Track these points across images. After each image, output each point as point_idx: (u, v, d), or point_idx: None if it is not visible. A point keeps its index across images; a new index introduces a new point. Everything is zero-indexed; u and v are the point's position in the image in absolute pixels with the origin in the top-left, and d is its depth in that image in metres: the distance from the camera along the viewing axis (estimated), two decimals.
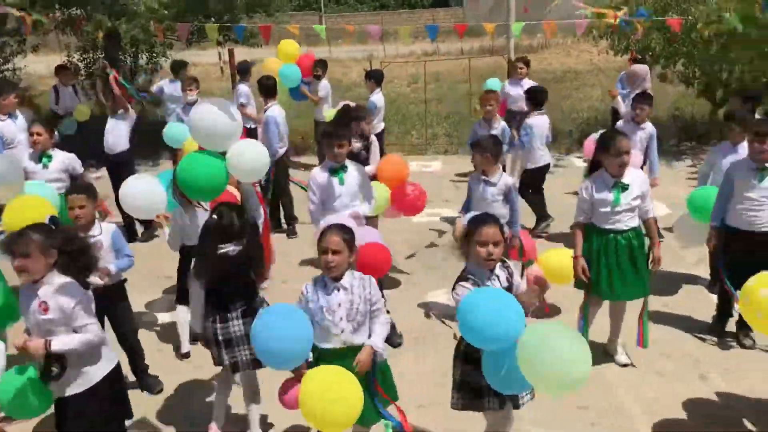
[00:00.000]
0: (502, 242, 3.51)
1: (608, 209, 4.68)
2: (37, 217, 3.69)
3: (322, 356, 3.61)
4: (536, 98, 7.63)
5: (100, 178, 9.58)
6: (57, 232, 3.49)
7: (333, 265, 3.56)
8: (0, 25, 10.44)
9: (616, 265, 4.74)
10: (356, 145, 6.23)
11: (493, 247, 3.46)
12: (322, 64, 9.91)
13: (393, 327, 5.48)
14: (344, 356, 3.57)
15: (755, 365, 4.99)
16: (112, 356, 3.68)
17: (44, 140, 6.05)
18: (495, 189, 5.42)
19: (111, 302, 4.65)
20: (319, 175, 5.27)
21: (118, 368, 3.71)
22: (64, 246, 3.45)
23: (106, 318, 4.68)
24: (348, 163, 5.31)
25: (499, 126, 7.44)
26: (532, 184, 7.66)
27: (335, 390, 3.25)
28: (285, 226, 8.05)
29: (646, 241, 4.83)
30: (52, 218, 3.59)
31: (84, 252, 3.54)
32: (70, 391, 3.51)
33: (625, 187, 4.65)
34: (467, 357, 3.58)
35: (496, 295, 3.10)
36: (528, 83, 9.02)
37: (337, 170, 5.23)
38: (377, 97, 9.26)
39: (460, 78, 17.65)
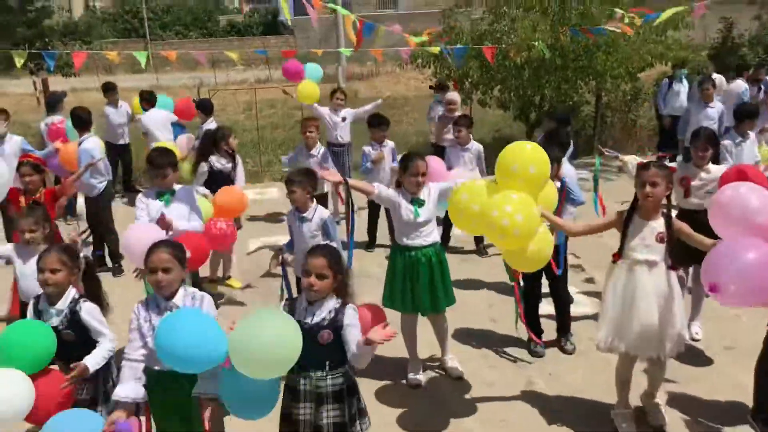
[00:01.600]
0: (328, 276, 3.43)
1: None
2: None
3: (156, 379, 3.48)
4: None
5: None
6: None
7: (164, 284, 3.43)
8: None
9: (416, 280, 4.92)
10: (225, 165, 7.03)
11: (314, 278, 3.41)
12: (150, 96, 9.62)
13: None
14: (177, 378, 3.41)
15: (574, 365, 5.38)
16: None
17: None
18: (311, 224, 5.22)
19: None
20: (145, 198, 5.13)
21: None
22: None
23: None
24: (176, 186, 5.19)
25: (318, 152, 7.63)
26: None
27: None
28: (110, 264, 7.61)
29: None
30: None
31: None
32: None
33: (421, 203, 4.87)
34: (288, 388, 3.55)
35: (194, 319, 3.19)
36: (347, 112, 9.08)
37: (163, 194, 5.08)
38: (212, 126, 9.08)
39: (295, 105, 17.70)
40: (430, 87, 10.68)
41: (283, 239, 8.32)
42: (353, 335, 3.38)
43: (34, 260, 4.00)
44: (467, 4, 12.46)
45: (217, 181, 6.81)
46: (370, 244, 8.08)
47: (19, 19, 10.31)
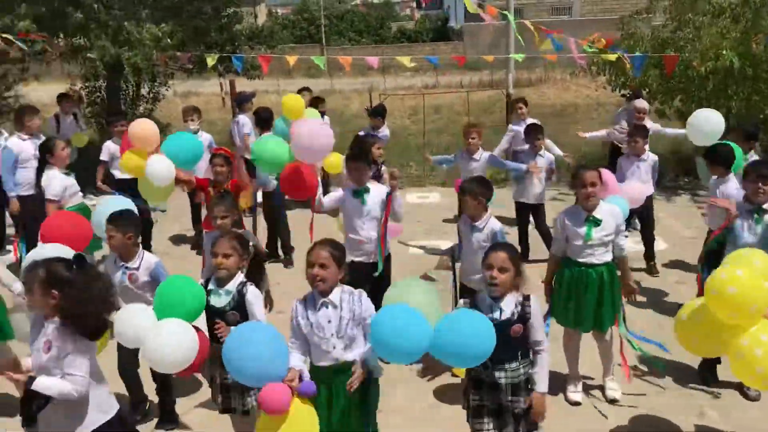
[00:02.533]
0: (509, 270, 3.57)
1: (580, 243, 4.72)
2: None
3: (317, 374, 3.59)
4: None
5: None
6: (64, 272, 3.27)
7: (319, 279, 3.55)
8: (3, 54, 10.52)
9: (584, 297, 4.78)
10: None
11: (497, 271, 3.55)
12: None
13: None
14: (338, 373, 3.58)
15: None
16: (108, 407, 3.47)
17: None
18: (481, 235, 5.14)
19: None
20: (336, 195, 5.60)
21: (114, 420, 3.47)
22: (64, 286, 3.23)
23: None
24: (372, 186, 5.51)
25: (481, 157, 7.59)
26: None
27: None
28: (282, 255, 8.03)
29: None
30: (77, 255, 3.39)
31: (85, 301, 3.24)
32: None
33: (597, 222, 4.66)
34: (476, 382, 3.67)
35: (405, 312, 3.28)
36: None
37: (359, 192, 5.40)
38: (387, 132, 9.42)
39: (460, 110, 17.79)
40: (623, 95, 10.35)
41: (443, 244, 8.45)
42: (538, 323, 3.64)
43: None
44: (647, 10, 11.83)
45: None
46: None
47: (213, 24, 11.15)
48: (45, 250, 4.12)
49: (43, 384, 3.18)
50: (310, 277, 3.60)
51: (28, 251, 5.49)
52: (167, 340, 3.63)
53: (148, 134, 5.60)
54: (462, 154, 7.79)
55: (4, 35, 7.98)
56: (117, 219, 4.52)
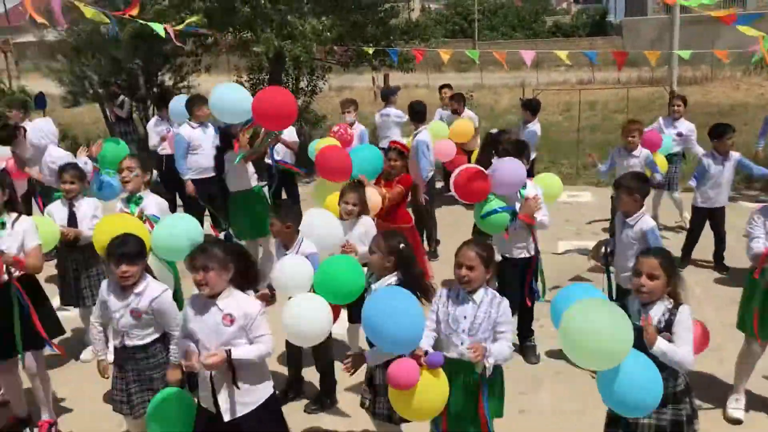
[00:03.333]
0: (660, 277, 3.36)
1: None
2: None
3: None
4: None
5: None
6: (230, 247, 3.59)
7: (465, 279, 3.57)
8: (179, 47, 11.35)
9: None
10: None
11: (645, 278, 3.36)
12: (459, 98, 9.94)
13: (533, 348, 5.57)
14: (458, 370, 3.56)
15: None
16: (269, 375, 3.71)
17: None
18: (631, 232, 4.97)
19: None
20: None
21: (274, 392, 3.72)
22: (237, 262, 3.52)
23: None
24: None
25: (641, 154, 7.21)
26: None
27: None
28: (427, 248, 8.09)
29: None
30: (227, 234, 3.72)
31: (252, 267, 3.64)
32: (243, 410, 3.50)
33: None
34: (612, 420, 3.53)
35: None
36: (683, 124, 8.48)
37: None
38: (536, 127, 9.19)
39: (616, 108, 17.05)
40: None
41: (591, 244, 8.12)
42: (682, 336, 3.32)
43: None
44: None
45: None
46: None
47: (370, 18, 11.41)
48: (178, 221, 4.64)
49: (241, 352, 3.39)
50: (458, 277, 3.63)
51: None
52: (307, 313, 3.86)
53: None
54: (619, 150, 7.46)
55: (179, 28, 8.57)
56: (278, 209, 4.76)
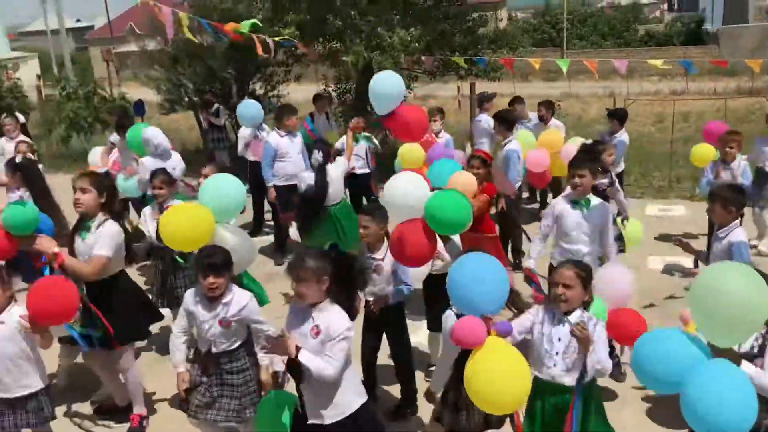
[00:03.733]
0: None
1: None
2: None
3: (534, 383, 3.53)
4: None
5: None
6: (330, 259, 3.58)
7: (563, 299, 3.50)
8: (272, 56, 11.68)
9: None
10: (600, 181, 6.14)
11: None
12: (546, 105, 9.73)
13: (618, 365, 5.36)
14: (549, 392, 3.54)
15: None
16: (362, 390, 3.74)
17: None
18: (719, 244, 4.78)
19: (386, 325, 4.89)
20: (558, 203, 5.30)
21: (369, 403, 3.74)
22: (342, 272, 3.56)
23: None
24: (592, 197, 5.21)
25: (739, 166, 6.90)
26: None
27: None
28: (512, 259, 8.00)
29: None
30: (333, 245, 3.72)
31: (357, 276, 3.66)
32: (327, 418, 3.58)
33: None
34: None
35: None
36: None
37: (580, 202, 5.15)
38: (624, 137, 8.94)
39: (712, 119, 16.36)
40: None
41: (684, 261, 7.83)
42: None
43: None
44: None
45: None
46: None
47: (458, 28, 11.43)
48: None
49: (306, 357, 3.42)
50: (554, 296, 3.57)
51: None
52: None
53: None
54: (715, 163, 7.19)
55: (273, 39, 8.84)
56: (372, 212, 4.78)
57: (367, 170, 8.59)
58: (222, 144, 12.11)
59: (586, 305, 3.62)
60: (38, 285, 3.95)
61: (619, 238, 6.19)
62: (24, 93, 16.95)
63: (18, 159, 6.49)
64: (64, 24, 27.54)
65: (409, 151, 6.50)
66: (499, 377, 3.08)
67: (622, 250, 6.26)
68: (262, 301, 4.99)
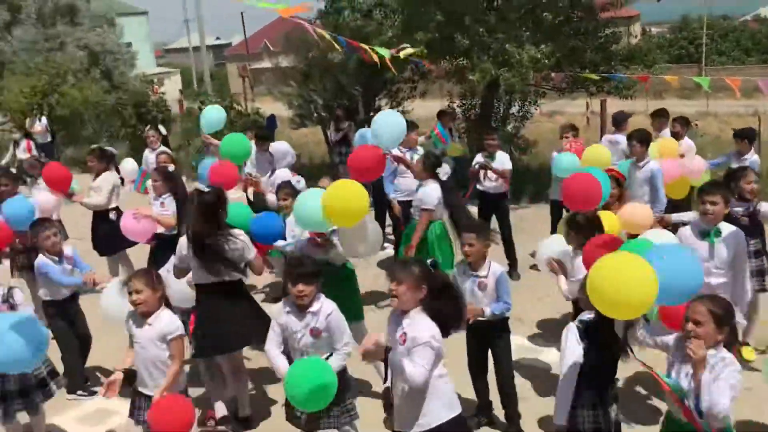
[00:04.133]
0: None
1: None
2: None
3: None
4: None
5: None
6: (431, 272, 3.64)
7: (692, 335, 3.29)
8: (399, 72, 11.85)
9: None
10: (736, 209, 5.70)
11: None
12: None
13: None
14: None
15: None
16: (454, 404, 3.69)
17: None
18: None
19: (490, 341, 4.90)
20: (684, 233, 5.01)
21: (459, 419, 3.69)
22: (430, 284, 3.59)
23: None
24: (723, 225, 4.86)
25: None
26: None
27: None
28: None
29: None
30: (433, 261, 3.77)
31: (454, 301, 3.67)
32: (415, 428, 3.60)
33: None
34: None
35: None
36: None
37: (709, 232, 4.83)
38: (755, 158, 8.30)
39: None
40: None
41: None
42: None
43: None
44: None
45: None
46: None
47: (590, 44, 11.11)
48: None
49: (393, 360, 3.51)
50: (685, 332, 3.37)
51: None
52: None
53: None
54: None
55: (408, 55, 8.96)
56: (476, 229, 4.81)
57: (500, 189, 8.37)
58: (347, 158, 12.38)
59: (726, 345, 3.36)
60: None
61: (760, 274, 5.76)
62: (167, 107, 18.09)
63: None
64: (205, 41, 29.25)
65: (595, 152, 6.88)
66: (625, 279, 3.11)
67: (764, 288, 5.81)
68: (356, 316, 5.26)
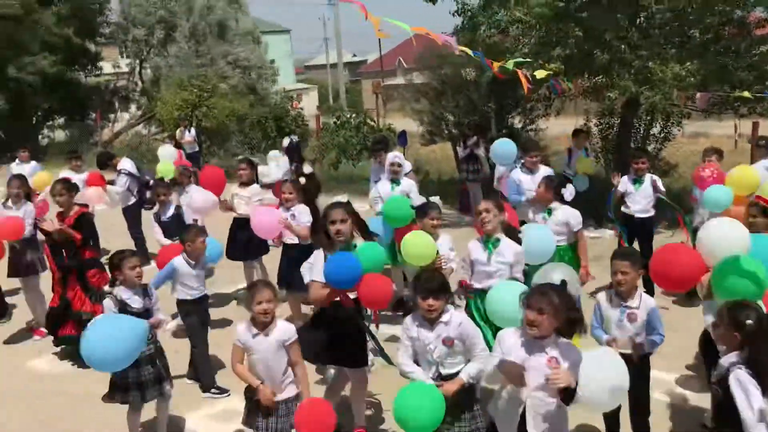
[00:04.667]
0: None
1: None
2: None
3: None
4: None
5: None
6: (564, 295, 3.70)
7: None
8: (533, 91, 11.64)
9: None
10: None
11: None
12: None
13: None
14: None
15: None
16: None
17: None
18: None
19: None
20: None
21: None
22: (569, 312, 3.66)
23: None
24: None
25: None
26: None
27: None
28: None
29: None
30: (563, 282, 3.85)
31: (578, 318, 3.74)
32: None
33: None
34: None
35: None
36: None
37: None
38: None
39: None
40: None
41: None
42: None
43: None
44: None
45: None
46: None
47: (741, 62, 10.42)
48: None
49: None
50: None
51: None
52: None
53: None
54: None
55: (549, 73, 8.82)
56: (629, 256, 4.59)
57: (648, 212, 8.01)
58: (475, 176, 12.31)
59: None
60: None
61: None
62: (305, 121, 18.80)
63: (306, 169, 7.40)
64: (342, 58, 30.18)
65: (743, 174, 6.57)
66: None
67: None
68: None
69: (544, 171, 7.98)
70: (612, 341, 4.53)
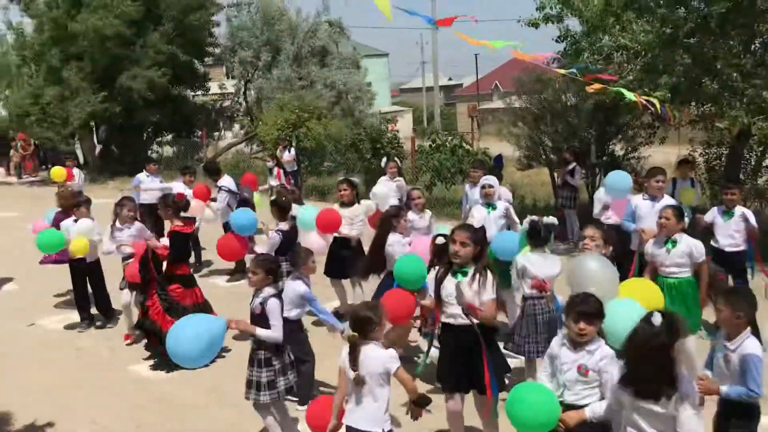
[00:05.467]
0: None
1: None
2: None
3: None
4: None
5: None
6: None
7: None
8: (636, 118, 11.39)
9: None
10: None
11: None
12: None
13: None
14: None
15: None
16: None
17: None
18: None
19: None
20: None
21: None
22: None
23: None
24: None
25: None
26: None
27: None
28: None
29: None
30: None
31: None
32: None
33: None
34: None
35: None
36: None
37: None
38: None
39: None
40: None
41: None
42: None
43: None
44: None
45: None
46: None
47: None
48: None
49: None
50: None
51: None
52: None
53: None
54: None
55: (646, 100, 8.63)
56: (731, 296, 4.30)
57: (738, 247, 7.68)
58: (572, 203, 12.09)
59: None
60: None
61: None
62: (401, 143, 19.00)
63: None
64: (438, 82, 30.37)
65: None
66: None
67: None
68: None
69: (667, 199, 7.65)
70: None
